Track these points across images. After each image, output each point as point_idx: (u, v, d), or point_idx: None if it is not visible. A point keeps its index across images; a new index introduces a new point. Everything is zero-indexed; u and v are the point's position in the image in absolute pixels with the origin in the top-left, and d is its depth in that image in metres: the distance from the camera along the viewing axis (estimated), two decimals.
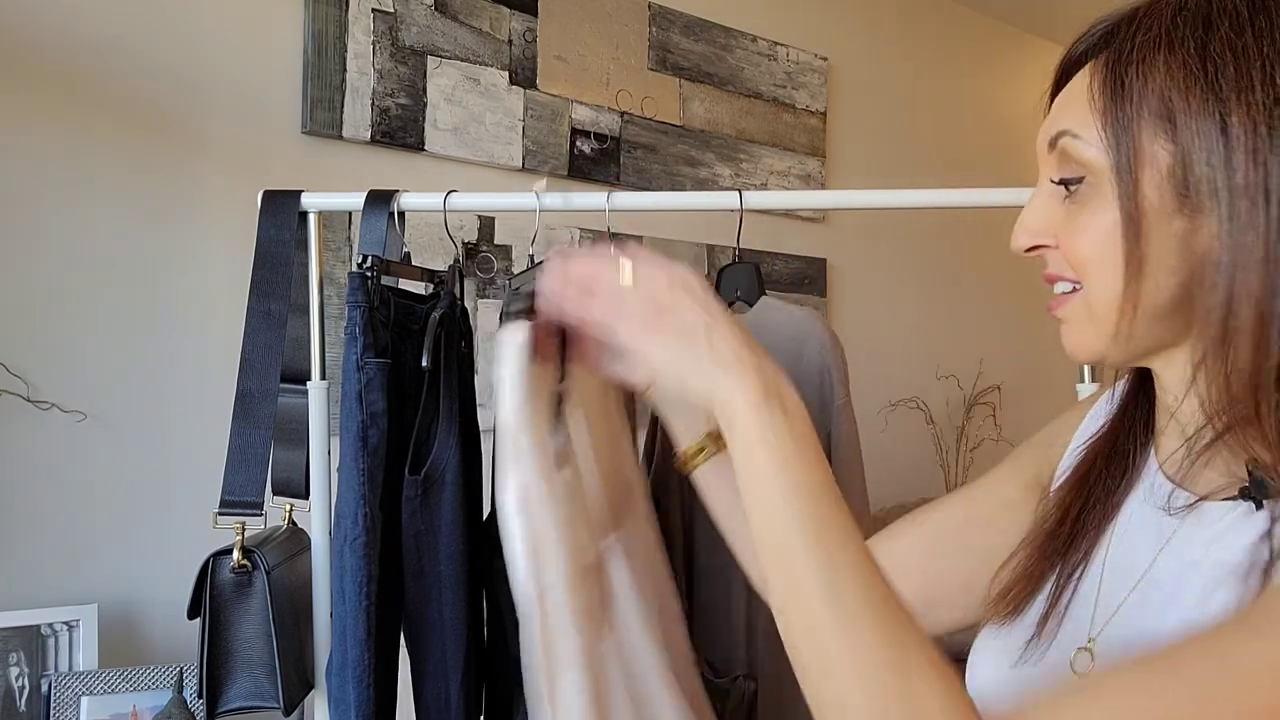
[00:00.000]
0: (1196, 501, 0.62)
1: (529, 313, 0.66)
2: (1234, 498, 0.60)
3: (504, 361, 0.66)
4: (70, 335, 1.56)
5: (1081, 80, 0.62)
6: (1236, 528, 0.59)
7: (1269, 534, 0.57)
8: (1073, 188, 0.61)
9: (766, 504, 0.59)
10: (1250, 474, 0.59)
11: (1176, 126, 0.56)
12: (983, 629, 0.73)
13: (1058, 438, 0.79)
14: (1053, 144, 0.62)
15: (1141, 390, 0.70)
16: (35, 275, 1.53)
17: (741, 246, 1.26)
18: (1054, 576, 0.68)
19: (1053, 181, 0.62)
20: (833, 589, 0.57)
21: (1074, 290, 0.63)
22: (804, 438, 0.60)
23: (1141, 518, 0.66)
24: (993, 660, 0.70)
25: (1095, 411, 0.76)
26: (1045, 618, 0.66)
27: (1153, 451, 0.68)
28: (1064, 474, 0.74)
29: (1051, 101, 0.67)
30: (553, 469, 0.68)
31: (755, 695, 1.17)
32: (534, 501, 0.66)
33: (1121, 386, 0.73)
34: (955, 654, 0.73)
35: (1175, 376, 0.64)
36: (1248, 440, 0.58)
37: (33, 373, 1.52)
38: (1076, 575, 0.67)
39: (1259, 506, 0.58)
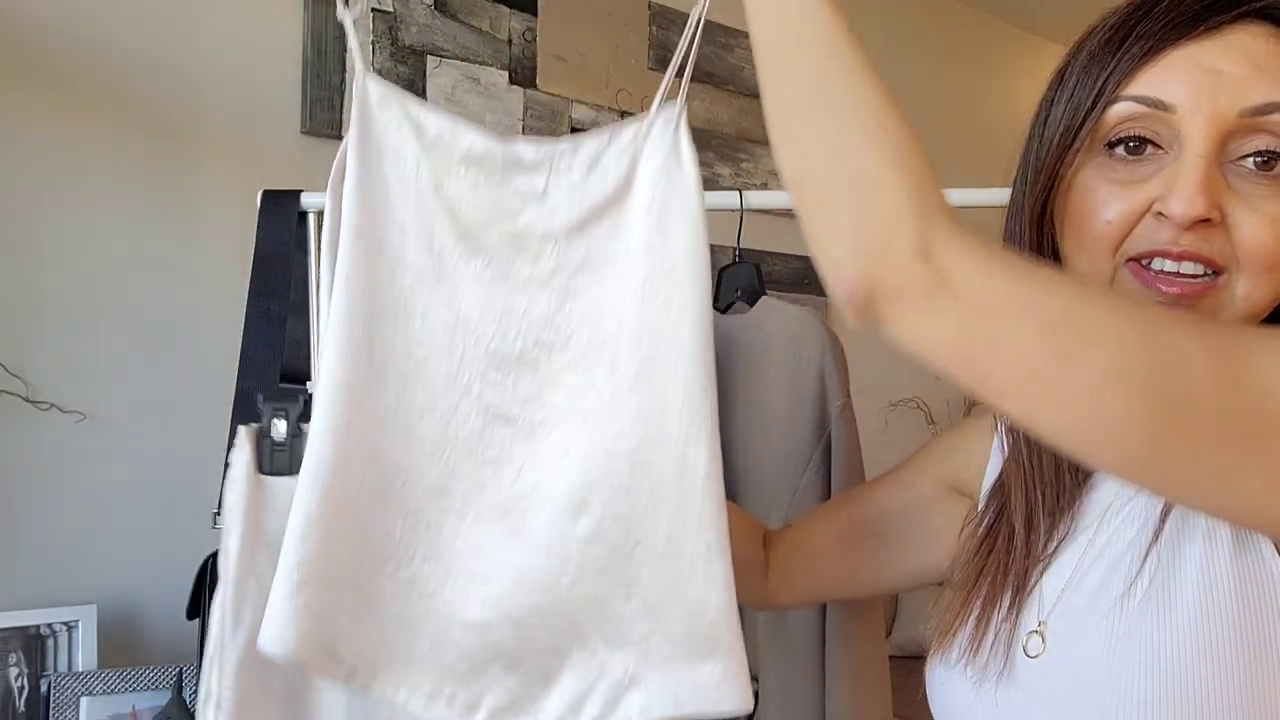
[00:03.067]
0: None
1: None
2: None
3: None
4: (69, 335, 1.56)
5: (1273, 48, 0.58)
6: None
7: None
8: (1279, 166, 0.57)
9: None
10: None
11: None
12: (936, 661, 0.73)
13: (969, 441, 0.81)
14: (1264, 111, 0.57)
15: None
16: (34, 275, 1.53)
17: (741, 246, 1.26)
18: (1003, 614, 0.68)
19: (1257, 153, 0.57)
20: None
21: (1210, 278, 0.58)
22: None
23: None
24: (955, 687, 0.70)
25: (994, 454, 0.77)
26: (1002, 649, 0.67)
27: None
28: (985, 505, 0.75)
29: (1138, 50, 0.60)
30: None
31: (756, 695, 1.16)
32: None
33: (1005, 426, 0.73)
34: (914, 652, 0.74)
35: None
36: None
37: (32, 373, 1.52)
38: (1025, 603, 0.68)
39: None
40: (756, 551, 0.92)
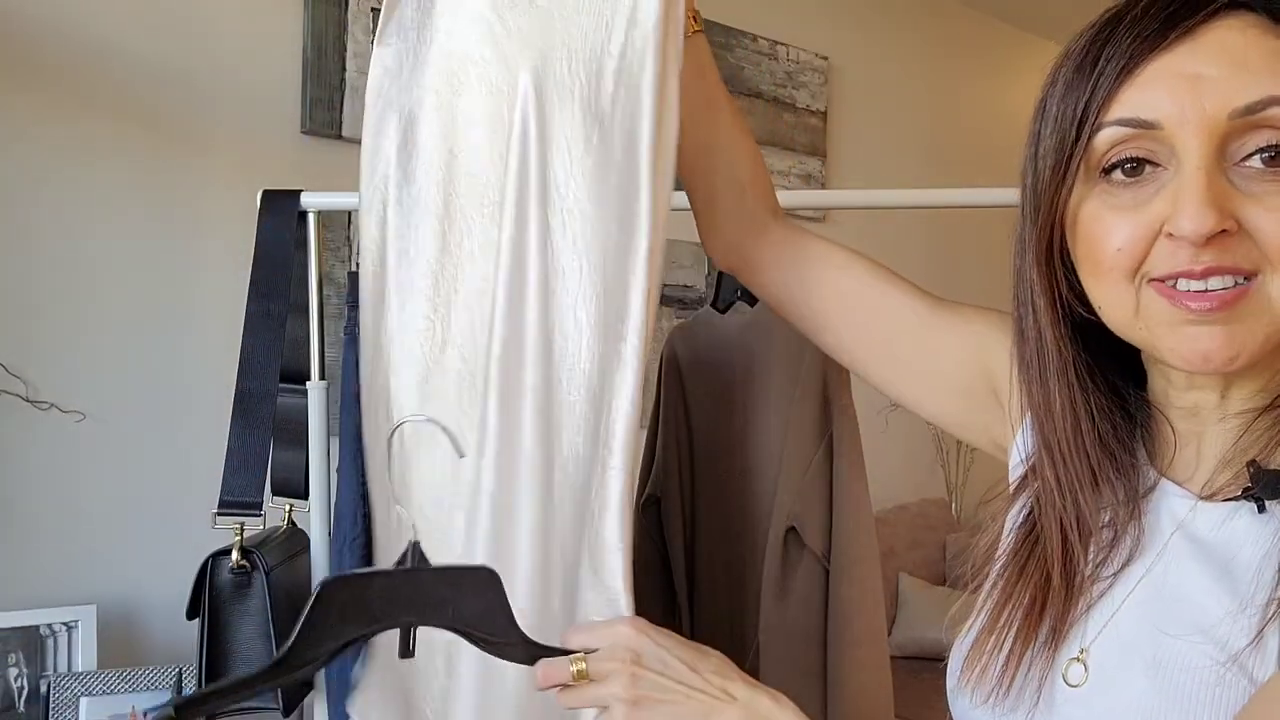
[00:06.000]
0: (1196, 503, 0.61)
1: None
2: (1236, 498, 0.59)
3: None
4: (69, 335, 1.56)
5: (1264, 42, 0.55)
6: (1242, 529, 0.58)
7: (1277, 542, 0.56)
8: None
9: None
10: (1253, 475, 0.58)
11: None
12: (963, 696, 0.69)
13: (1003, 338, 0.74)
14: (1255, 109, 0.54)
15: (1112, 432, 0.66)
16: (35, 275, 1.53)
17: None
18: (1038, 648, 0.64)
19: (1261, 150, 0.54)
20: None
21: (1241, 284, 0.55)
22: None
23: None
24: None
25: (1014, 457, 0.73)
26: (1037, 680, 0.64)
27: (1160, 481, 0.64)
28: (1016, 528, 0.69)
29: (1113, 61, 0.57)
30: None
31: None
32: None
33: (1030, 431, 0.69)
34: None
35: (1213, 383, 0.62)
36: None
37: (32, 373, 1.52)
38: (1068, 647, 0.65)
39: (1262, 509, 0.58)
40: (760, 192, 0.89)
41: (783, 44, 2.57)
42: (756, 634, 1.17)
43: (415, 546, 0.62)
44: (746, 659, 1.19)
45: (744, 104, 2.48)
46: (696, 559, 1.29)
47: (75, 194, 1.57)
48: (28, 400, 1.51)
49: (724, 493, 1.23)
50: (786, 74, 2.58)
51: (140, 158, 1.63)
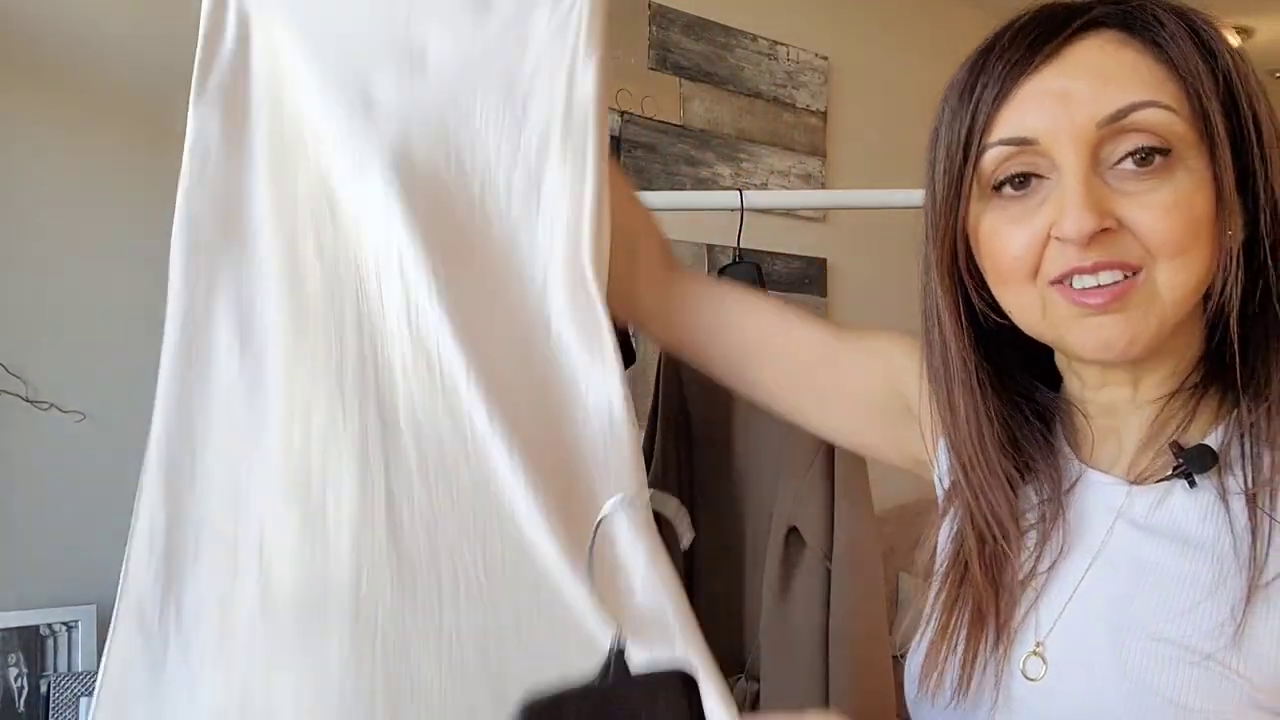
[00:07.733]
0: (1129, 489, 0.65)
1: None
2: (1167, 478, 0.63)
3: None
4: (69, 335, 1.56)
5: (1122, 55, 0.60)
6: (1179, 505, 0.63)
7: (1227, 510, 0.61)
8: (1155, 159, 0.59)
9: None
10: (1178, 454, 0.63)
11: (1237, 100, 0.60)
12: (923, 703, 0.71)
13: (912, 361, 0.77)
14: (1120, 116, 0.59)
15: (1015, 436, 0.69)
16: (34, 275, 1.53)
17: (742, 246, 1.26)
18: (989, 647, 0.66)
19: (1131, 154, 0.59)
20: None
21: (1128, 279, 0.60)
22: None
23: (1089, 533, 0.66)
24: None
25: (936, 471, 0.77)
26: (993, 679, 0.66)
27: (1085, 471, 0.68)
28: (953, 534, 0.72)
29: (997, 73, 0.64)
30: None
31: (757, 696, 1.16)
32: None
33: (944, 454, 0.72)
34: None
35: (1125, 378, 0.65)
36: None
37: (32, 373, 1.52)
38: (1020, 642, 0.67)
39: (1192, 484, 0.62)
40: (650, 249, 0.92)
41: (783, 44, 2.57)
42: (758, 634, 1.17)
43: (619, 656, 0.50)
44: (747, 659, 1.20)
45: (743, 104, 2.48)
46: (696, 559, 1.29)
47: (76, 193, 1.57)
48: (28, 400, 1.51)
49: (724, 492, 1.23)
50: (786, 74, 2.58)
51: (140, 157, 1.63)
